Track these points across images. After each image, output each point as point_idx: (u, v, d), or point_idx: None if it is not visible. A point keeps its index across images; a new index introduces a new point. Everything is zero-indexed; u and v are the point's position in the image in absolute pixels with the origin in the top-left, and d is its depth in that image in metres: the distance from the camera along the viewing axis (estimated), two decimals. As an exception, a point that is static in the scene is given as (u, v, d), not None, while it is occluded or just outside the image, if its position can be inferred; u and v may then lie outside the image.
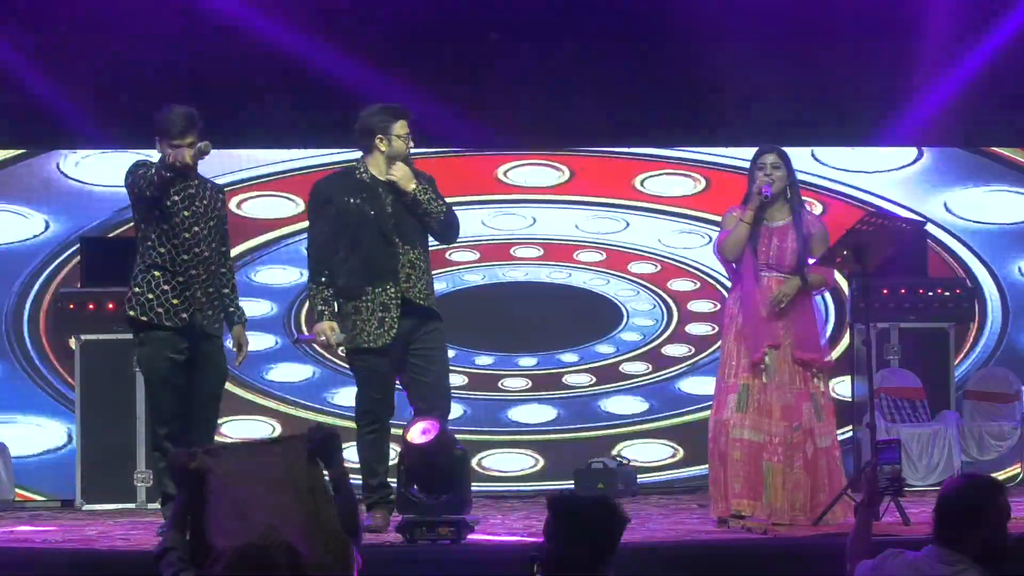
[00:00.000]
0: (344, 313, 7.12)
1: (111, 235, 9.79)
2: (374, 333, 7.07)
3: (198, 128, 7.06)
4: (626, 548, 6.40)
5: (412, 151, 7.22)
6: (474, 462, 9.81)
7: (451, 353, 9.85)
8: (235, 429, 9.72)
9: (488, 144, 10.17)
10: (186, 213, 7.07)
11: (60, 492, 9.50)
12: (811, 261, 7.57)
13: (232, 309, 7.26)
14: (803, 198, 7.79)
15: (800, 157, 10.18)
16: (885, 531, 6.89)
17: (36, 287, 9.78)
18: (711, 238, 9.22)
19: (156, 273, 7.08)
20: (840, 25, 10.15)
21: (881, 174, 10.36)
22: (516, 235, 10.20)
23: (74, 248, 9.71)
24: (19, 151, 9.90)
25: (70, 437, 9.62)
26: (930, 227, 10.01)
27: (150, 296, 7.09)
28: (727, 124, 10.03)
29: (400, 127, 7.14)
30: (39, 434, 9.72)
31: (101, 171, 9.84)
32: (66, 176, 9.88)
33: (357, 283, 7.07)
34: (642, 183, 10.15)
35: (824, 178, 10.27)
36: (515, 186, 10.21)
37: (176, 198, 7.06)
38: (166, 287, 7.07)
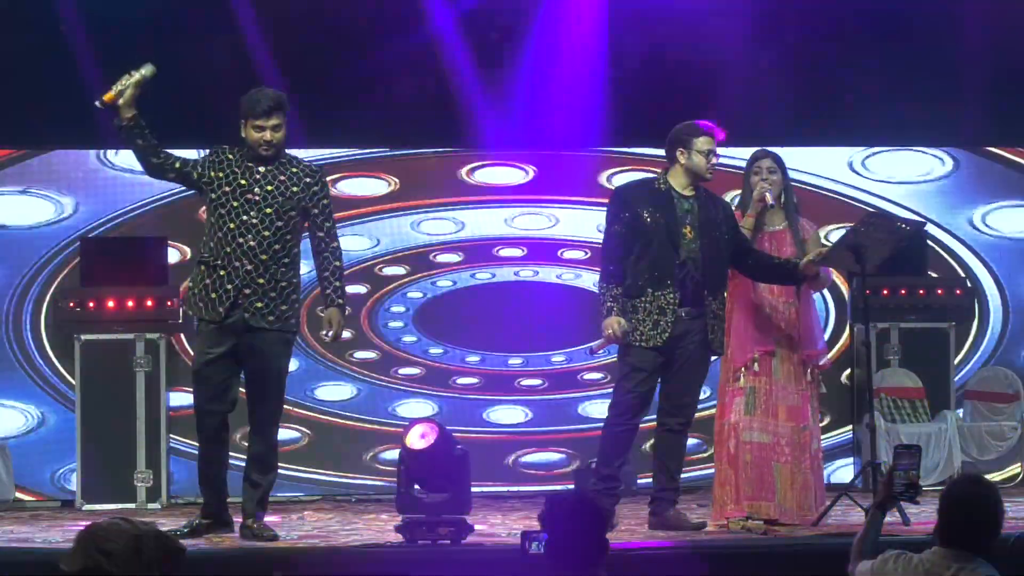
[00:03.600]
0: (623, 310, 7.36)
1: (112, 235, 9.79)
2: (648, 334, 7.32)
3: (285, 111, 7.02)
4: (626, 548, 6.43)
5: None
6: (510, 460, 9.90)
7: (476, 357, 10.01)
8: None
9: (452, 144, 10.17)
10: (235, 203, 6.98)
11: (60, 493, 9.50)
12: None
13: (328, 291, 7.11)
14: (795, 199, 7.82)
15: (834, 164, 10.25)
16: (884, 531, 6.90)
17: (37, 286, 9.77)
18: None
19: (201, 267, 7.06)
20: (839, 23, 10.17)
21: (911, 184, 10.36)
22: (496, 235, 10.17)
23: (75, 247, 9.70)
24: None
25: (44, 419, 9.64)
26: (931, 228, 10.01)
27: (195, 290, 7.07)
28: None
29: (703, 143, 7.40)
30: (20, 417, 9.73)
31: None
32: (105, 163, 9.86)
33: (640, 284, 7.34)
34: (608, 179, 10.12)
35: (836, 181, 10.28)
36: (482, 186, 10.20)
37: (227, 188, 7.00)
38: (207, 281, 7.01)
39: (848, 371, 10.03)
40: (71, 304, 9.39)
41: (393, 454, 9.77)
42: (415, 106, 9.91)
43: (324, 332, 7.21)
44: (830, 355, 7.89)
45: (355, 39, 9.83)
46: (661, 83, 9.89)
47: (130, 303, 9.35)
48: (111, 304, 9.33)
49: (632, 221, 7.37)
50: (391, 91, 9.84)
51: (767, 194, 7.54)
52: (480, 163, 10.18)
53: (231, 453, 7.31)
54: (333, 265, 7.13)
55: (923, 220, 9.70)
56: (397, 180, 10.04)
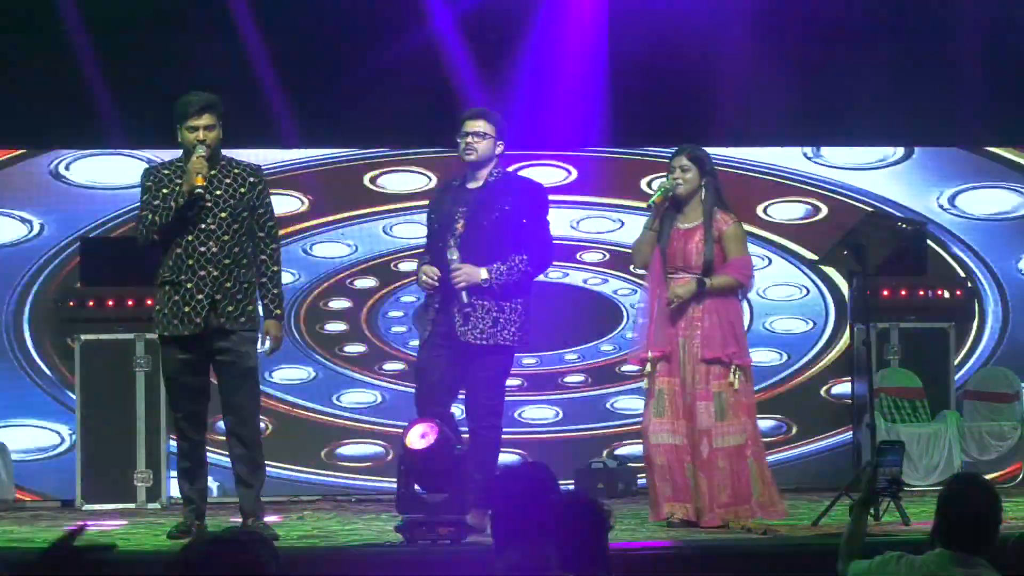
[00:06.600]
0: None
1: (112, 235, 9.77)
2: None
3: (218, 112, 6.99)
4: (626, 549, 6.43)
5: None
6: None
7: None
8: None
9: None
10: (189, 213, 6.97)
11: (60, 493, 9.49)
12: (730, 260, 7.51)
13: (267, 301, 7.10)
14: (722, 198, 7.59)
15: (792, 156, 10.24)
16: (884, 531, 6.91)
17: (36, 287, 9.75)
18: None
19: (165, 288, 7.04)
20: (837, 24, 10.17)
21: (872, 171, 10.34)
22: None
23: (74, 248, 9.68)
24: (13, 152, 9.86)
25: (65, 438, 9.61)
26: (929, 227, 10.01)
27: (164, 311, 7.04)
28: (725, 124, 10.03)
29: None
30: (38, 435, 9.70)
31: (95, 172, 9.81)
32: (57, 178, 9.82)
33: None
34: (648, 184, 10.07)
35: (825, 179, 10.27)
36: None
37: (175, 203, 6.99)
38: (176, 298, 6.99)
39: (828, 385, 10.05)
40: (71, 304, 9.38)
41: (351, 450, 9.82)
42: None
43: (260, 344, 7.20)
44: (750, 357, 7.69)
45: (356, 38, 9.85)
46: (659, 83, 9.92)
47: (130, 303, 9.35)
48: (111, 304, 9.33)
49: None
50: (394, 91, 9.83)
51: (659, 195, 7.49)
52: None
53: (221, 451, 7.33)
54: (271, 270, 7.11)
55: (924, 220, 9.70)
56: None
